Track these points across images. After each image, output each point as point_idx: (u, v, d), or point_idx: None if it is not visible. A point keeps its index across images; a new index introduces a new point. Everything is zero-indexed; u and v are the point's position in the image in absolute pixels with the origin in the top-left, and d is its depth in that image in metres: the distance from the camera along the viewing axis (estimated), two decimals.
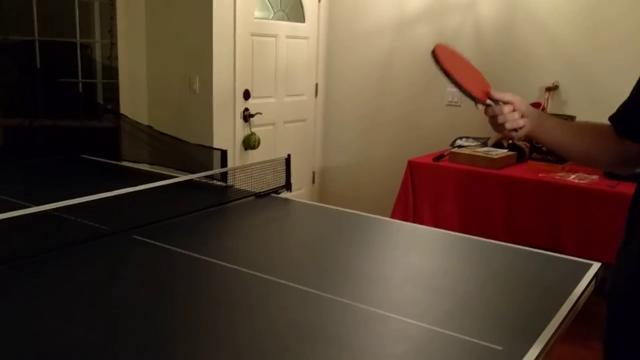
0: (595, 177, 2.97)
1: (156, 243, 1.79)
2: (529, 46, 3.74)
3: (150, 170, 2.95)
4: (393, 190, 3.48)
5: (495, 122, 1.29)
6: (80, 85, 4.04)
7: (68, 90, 3.88)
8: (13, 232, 1.79)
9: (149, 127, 3.28)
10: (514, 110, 1.28)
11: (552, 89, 3.62)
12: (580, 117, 3.48)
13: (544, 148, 3.07)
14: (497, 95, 1.30)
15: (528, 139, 1.34)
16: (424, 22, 4.12)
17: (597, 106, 3.53)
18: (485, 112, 1.31)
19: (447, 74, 1.31)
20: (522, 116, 1.29)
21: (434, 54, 1.32)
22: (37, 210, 1.74)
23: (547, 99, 3.61)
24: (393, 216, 3.29)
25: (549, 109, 3.58)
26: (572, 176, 2.99)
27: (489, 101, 1.31)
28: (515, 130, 1.30)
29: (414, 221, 3.21)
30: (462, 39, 3.97)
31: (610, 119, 1.33)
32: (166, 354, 1.15)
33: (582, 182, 2.91)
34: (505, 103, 1.29)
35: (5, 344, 1.16)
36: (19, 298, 1.39)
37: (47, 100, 3.69)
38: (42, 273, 1.54)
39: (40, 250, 1.67)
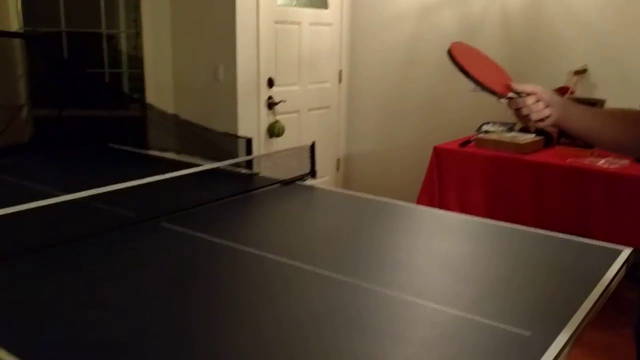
0: (625, 161, 2.91)
1: (183, 230, 1.81)
2: (557, 29, 3.66)
3: (177, 158, 2.98)
4: (418, 177, 3.46)
5: (520, 114, 1.28)
6: (107, 75, 4.08)
7: (95, 81, 3.92)
8: (44, 221, 1.83)
9: (175, 116, 3.30)
10: (538, 101, 1.26)
11: (581, 72, 3.55)
12: (610, 101, 3.41)
13: None
14: (519, 87, 1.28)
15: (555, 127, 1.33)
16: (448, 6, 4.06)
17: (628, 89, 3.45)
18: (509, 105, 1.29)
19: (465, 73, 1.29)
20: (547, 105, 1.27)
21: (449, 53, 1.31)
22: (67, 199, 1.77)
23: (576, 83, 3.54)
24: (419, 203, 3.27)
25: (578, 93, 3.51)
26: (602, 161, 2.94)
27: (511, 94, 1.29)
28: (542, 120, 1.28)
29: (440, 208, 3.19)
30: (488, 23, 3.91)
31: None
32: (191, 337, 1.16)
33: (611, 167, 2.85)
34: (528, 94, 1.27)
35: (35, 328, 1.19)
36: (49, 285, 1.42)
37: (74, 91, 3.74)
38: (72, 260, 1.57)
39: (70, 237, 1.70)
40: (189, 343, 1.14)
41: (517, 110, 1.28)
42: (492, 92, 1.29)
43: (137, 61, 4.01)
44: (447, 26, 4.08)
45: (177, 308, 1.30)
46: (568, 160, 2.98)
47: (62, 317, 1.25)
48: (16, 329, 1.19)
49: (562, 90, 3.48)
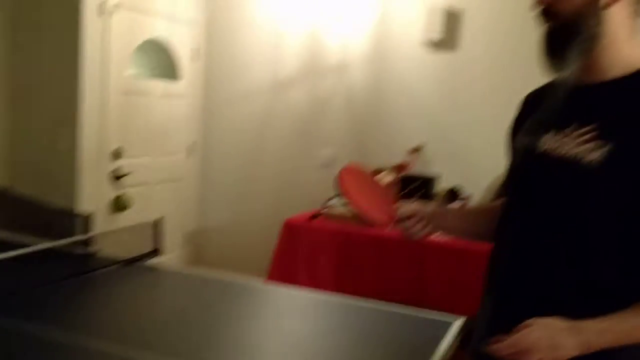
0: None
1: (5, 320, 1.62)
2: (396, 109, 3.97)
3: (6, 238, 2.70)
4: (272, 249, 3.46)
5: (404, 234, 1.48)
6: None
7: None
8: None
9: (6, 189, 3.03)
10: (419, 220, 1.45)
11: (417, 150, 3.85)
12: (441, 175, 3.71)
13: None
14: (403, 213, 1.46)
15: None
16: (299, 83, 4.25)
17: (459, 165, 3.79)
18: (395, 227, 1.49)
19: (352, 203, 1.43)
20: (428, 221, 1.46)
21: (337, 182, 1.45)
22: None
23: (413, 160, 3.83)
24: (269, 278, 3.26)
25: (415, 169, 3.79)
26: (437, 234, 3.14)
27: (395, 218, 1.47)
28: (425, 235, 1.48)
29: (290, 283, 3.20)
30: (335, 102, 4.14)
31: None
32: None
33: (445, 239, 3.05)
34: (411, 215, 1.45)
35: None
36: None
37: None
38: None
39: None
40: None
41: (403, 230, 1.47)
42: (377, 222, 1.49)
43: None
44: (298, 102, 4.25)
45: None
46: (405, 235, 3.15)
47: None
48: None
49: (401, 167, 3.74)
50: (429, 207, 1.56)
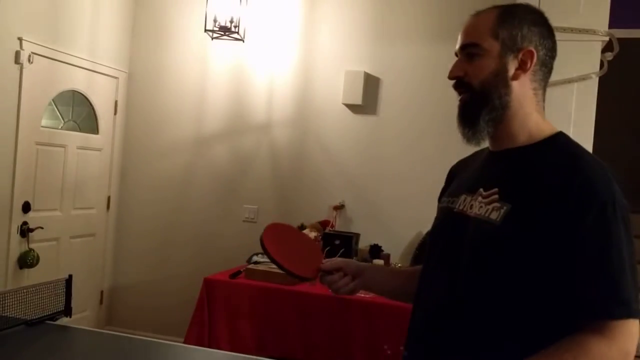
0: None
1: None
2: (318, 168, 4.03)
3: None
4: (190, 309, 3.34)
5: (330, 288, 1.44)
6: None
7: None
8: None
9: None
10: (345, 275, 1.43)
11: (339, 207, 3.90)
12: (363, 232, 3.77)
13: None
14: (327, 267, 1.44)
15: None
16: (222, 140, 4.24)
17: (377, 223, 3.87)
18: (321, 282, 1.45)
19: (276, 263, 1.42)
20: (354, 277, 1.44)
21: (262, 242, 1.45)
22: None
23: (335, 217, 3.87)
24: (187, 337, 3.13)
25: (338, 227, 3.83)
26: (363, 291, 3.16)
27: (321, 273, 1.44)
28: (350, 291, 1.45)
29: (209, 342, 3.09)
30: (259, 159, 4.15)
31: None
32: None
33: (367, 295, 3.07)
34: (336, 271, 1.43)
35: None
36: None
37: None
38: None
39: None
40: None
41: (328, 285, 1.44)
42: (303, 278, 1.44)
43: None
44: (220, 159, 4.23)
45: None
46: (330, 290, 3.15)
47: None
48: None
49: (324, 224, 3.77)
50: (356, 263, 1.51)
